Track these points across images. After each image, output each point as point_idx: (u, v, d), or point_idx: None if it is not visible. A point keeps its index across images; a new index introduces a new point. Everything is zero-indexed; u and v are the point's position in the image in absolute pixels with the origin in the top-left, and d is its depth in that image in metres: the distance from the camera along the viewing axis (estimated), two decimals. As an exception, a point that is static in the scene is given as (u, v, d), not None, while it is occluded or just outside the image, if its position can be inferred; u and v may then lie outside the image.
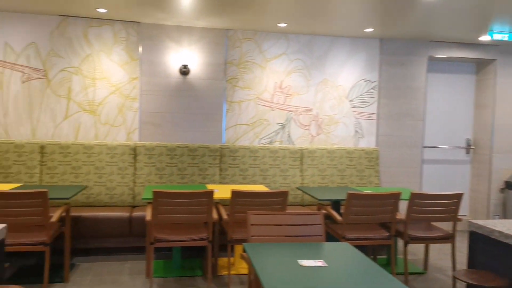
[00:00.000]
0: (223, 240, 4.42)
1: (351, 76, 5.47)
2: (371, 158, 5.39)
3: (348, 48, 5.45)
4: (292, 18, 4.53)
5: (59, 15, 4.73)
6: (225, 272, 4.04)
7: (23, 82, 4.73)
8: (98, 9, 4.41)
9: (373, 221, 3.72)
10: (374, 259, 4.39)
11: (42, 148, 4.65)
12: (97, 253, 4.45)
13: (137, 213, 4.43)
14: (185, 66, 4.97)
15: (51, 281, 3.72)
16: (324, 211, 4.06)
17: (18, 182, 4.56)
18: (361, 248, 4.60)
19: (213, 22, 4.80)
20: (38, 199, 3.25)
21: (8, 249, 3.26)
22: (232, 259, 4.35)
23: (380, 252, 4.71)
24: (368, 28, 4.91)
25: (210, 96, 5.10)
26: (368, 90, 5.51)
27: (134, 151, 4.84)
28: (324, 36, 5.37)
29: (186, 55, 4.99)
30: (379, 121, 5.51)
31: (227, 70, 5.17)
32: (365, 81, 5.50)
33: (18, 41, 4.69)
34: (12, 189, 3.74)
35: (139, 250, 4.52)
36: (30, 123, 4.76)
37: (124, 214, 4.40)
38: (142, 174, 4.83)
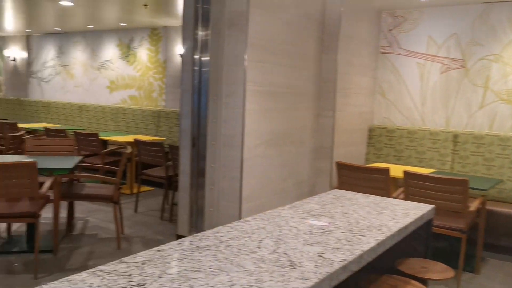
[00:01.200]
0: None
1: None
2: None
3: None
4: None
5: (484, 2, 4.62)
6: None
7: (442, 72, 4.94)
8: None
9: None
10: None
11: (455, 137, 4.74)
12: (508, 252, 4.17)
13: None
14: None
15: (463, 269, 3.78)
16: None
17: (430, 167, 4.86)
18: None
19: None
20: (459, 186, 3.34)
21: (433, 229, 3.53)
22: None
23: None
24: None
25: None
26: None
27: (561, 146, 4.19)
28: None
29: None
30: None
31: None
32: None
33: (440, 33, 4.92)
34: (430, 173, 4.02)
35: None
36: (444, 112, 4.94)
37: (545, 217, 3.90)
38: None
